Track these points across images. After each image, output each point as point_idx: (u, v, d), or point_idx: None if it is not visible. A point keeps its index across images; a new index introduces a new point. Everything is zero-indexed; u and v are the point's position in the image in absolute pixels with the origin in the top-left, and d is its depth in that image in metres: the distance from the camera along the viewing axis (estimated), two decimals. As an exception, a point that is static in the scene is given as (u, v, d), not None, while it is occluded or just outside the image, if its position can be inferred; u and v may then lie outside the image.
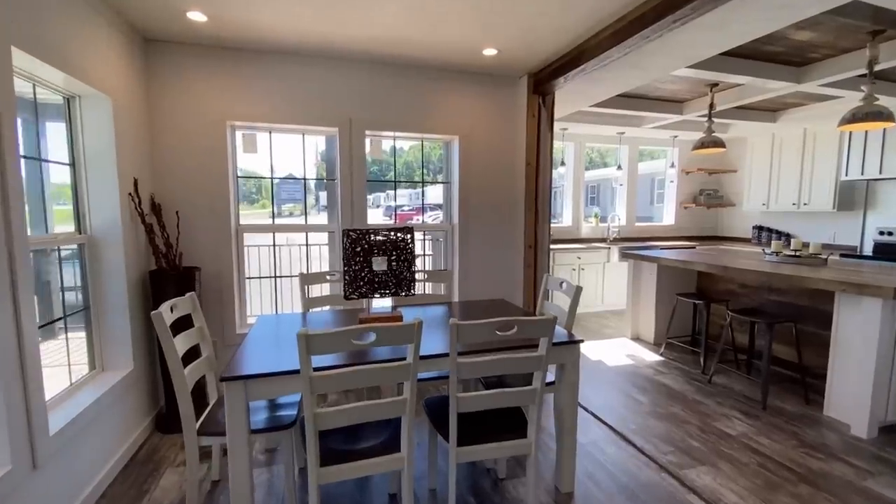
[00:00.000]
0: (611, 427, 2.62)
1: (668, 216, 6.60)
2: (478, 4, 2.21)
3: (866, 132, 4.41)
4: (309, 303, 2.66)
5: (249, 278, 3.19)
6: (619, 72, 3.27)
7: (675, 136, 6.05)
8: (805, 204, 5.14)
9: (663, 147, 6.36)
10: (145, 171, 2.64)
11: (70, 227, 2.20)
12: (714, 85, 3.97)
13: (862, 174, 4.48)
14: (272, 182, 3.16)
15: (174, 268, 2.65)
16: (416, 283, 2.75)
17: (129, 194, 2.40)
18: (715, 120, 4.40)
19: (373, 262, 2.16)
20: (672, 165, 6.31)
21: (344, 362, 1.61)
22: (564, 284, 2.31)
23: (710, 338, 3.95)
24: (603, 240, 5.98)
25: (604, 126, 5.32)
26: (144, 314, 2.56)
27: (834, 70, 3.31)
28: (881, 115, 2.76)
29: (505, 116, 3.43)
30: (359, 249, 2.15)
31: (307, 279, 2.69)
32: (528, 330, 1.55)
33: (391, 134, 3.29)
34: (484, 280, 3.52)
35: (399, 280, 2.20)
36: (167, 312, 1.74)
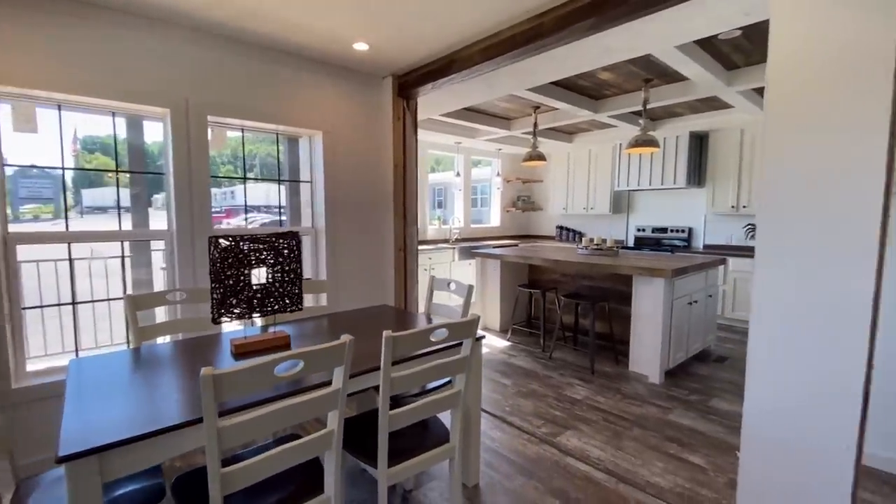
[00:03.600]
0: (491, 413, 2.82)
1: (494, 218, 7.47)
2: (361, -6, 2.08)
3: (629, 155, 5.89)
4: (141, 333, 2.06)
5: (43, 306, 2.28)
6: (471, 86, 3.55)
7: (500, 149, 6.89)
8: (592, 208, 6.54)
9: (490, 157, 7.17)
10: None
11: None
12: (537, 107, 4.68)
13: (627, 185, 5.96)
14: (63, 174, 2.31)
15: None
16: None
17: None
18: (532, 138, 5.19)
19: (251, 275, 1.81)
20: (498, 174, 7.17)
21: (248, 399, 1.30)
22: (453, 285, 2.38)
23: (545, 321, 4.65)
24: (446, 240, 6.38)
25: (444, 135, 5.68)
26: None
27: (619, 105, 4.31)
28: (652, 142, 3.72)
29: (371, 116, 3.32)
30: (231, 260, 1.77)
31: (137, 303, 2.07)
32: (457, 332, 1.54)
33: (239, 122, 2.81)
34: (355, 287, 3.33)
35: (284, 294, 1.90)
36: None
